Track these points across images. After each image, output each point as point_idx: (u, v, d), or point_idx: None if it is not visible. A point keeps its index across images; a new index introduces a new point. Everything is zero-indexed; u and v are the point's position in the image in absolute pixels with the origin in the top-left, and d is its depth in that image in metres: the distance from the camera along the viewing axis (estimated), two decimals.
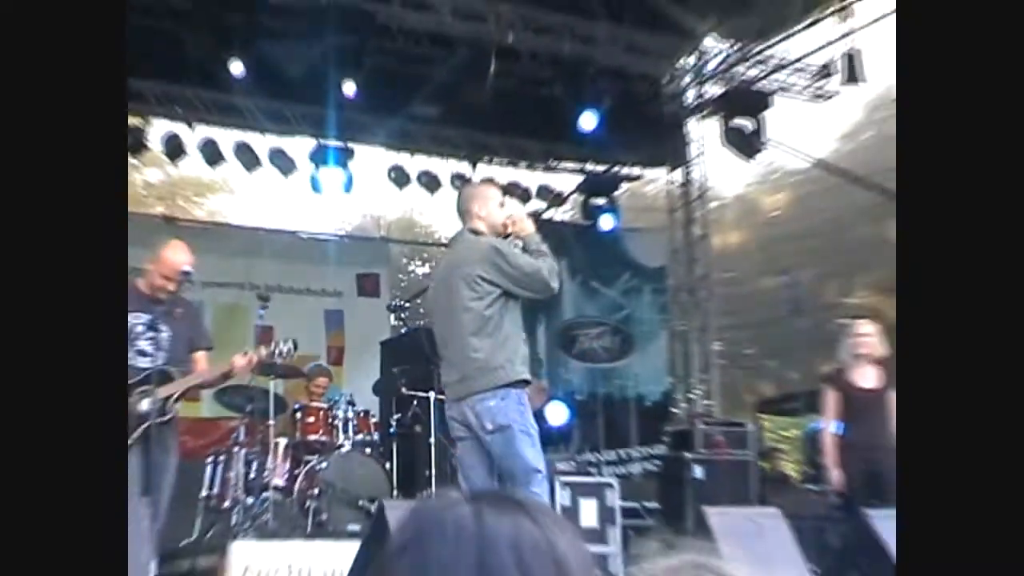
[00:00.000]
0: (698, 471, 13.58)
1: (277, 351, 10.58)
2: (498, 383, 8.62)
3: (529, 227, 9.30)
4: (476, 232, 9.22)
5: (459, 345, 8.78)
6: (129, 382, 9.21)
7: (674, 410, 18.77)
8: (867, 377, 11.73)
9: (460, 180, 19.05)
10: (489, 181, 10.59)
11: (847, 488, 11.58)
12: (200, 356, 10.07)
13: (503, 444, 8.64)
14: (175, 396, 9.69)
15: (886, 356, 11.72)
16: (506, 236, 9.22)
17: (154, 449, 9.33)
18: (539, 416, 15.91)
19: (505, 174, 19.84)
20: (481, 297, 8.76)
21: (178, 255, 9.93)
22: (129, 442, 9.14)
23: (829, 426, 11.86)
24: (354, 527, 9.26)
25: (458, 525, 1.70)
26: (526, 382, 8.83)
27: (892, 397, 11.42)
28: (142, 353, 9.56)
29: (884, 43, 18.71)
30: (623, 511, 12.22)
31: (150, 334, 9.61)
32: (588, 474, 13.34)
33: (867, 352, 11.70)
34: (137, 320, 9.56)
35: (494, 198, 9.55)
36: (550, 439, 15.53)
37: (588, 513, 12.08)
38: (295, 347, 10.82)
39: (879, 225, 19.65)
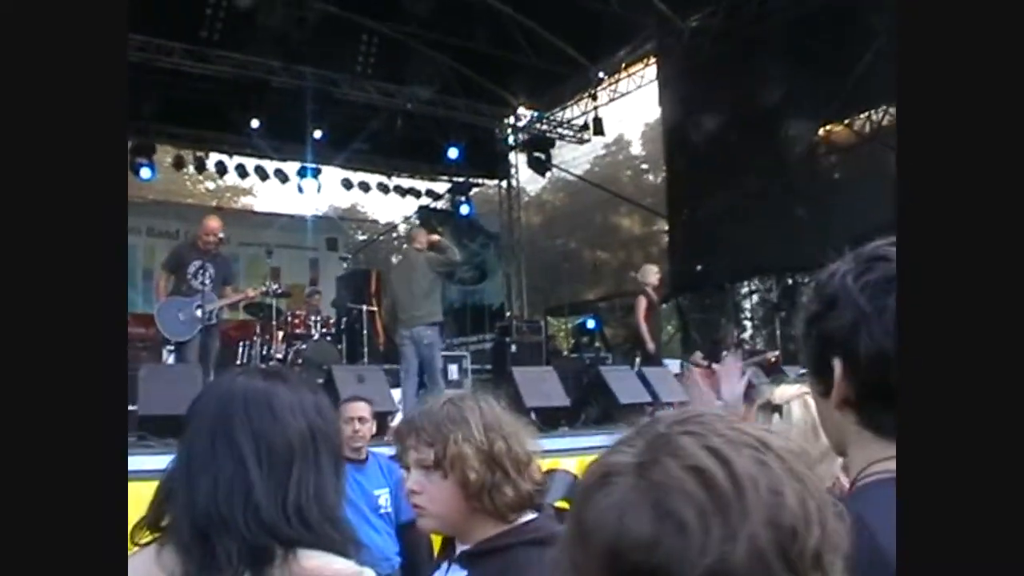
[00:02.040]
0: (513, 348, 13.74)
1: (272, 289, 10.94)
2: (433, 320, 10.01)
3: (437, 238, 10.64)
4: (418, 250, 10.33)
5: (415, 301, 9.96)
6: (189, 298, 9.48)
7: (507, 314, 18.89)
8: (656, 291, 12.17)
9: (381, 187, 19.37)
10: (420, 228, 11.33)
11: (655, 351, 11.85)
12: (229, 288, 10.11)
13: (429, 351, 9.85)
14: (216, 310, 9.73)
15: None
16: (431, 246, 10.34)
17: (207, 338, 9.56)
18: None
19: (406, 182, 19.94)
20: (427, 279, 9.98)
21: (212, 222, 10.02)
22: (193, 334, 9.41)
23: (640, 317, 11.91)
24: (320, 381, 9.29)
25: (220, 384, 1.70)
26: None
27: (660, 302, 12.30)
28: (201, 283, 9.59)
29: (616, 113, 19.19)
30: (472, 370, 12.38)
31: (202, 272, 9.66)
32: (452, 351, 13.41)
33: (657, 278, 12.21)
34: (195, 264, 9.65)
35: (423, 236, 10.57)
36: None
37: (453, 371, 12.23)
38: (280, 286, 11.33)
39: (607, 211, 19.94)
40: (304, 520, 1.54)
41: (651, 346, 11.75)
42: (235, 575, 1.49)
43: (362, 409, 5.89)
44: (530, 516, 2.15)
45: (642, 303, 11.93)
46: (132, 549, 1.59)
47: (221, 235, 10.01)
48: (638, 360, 12.09)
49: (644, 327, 11.79)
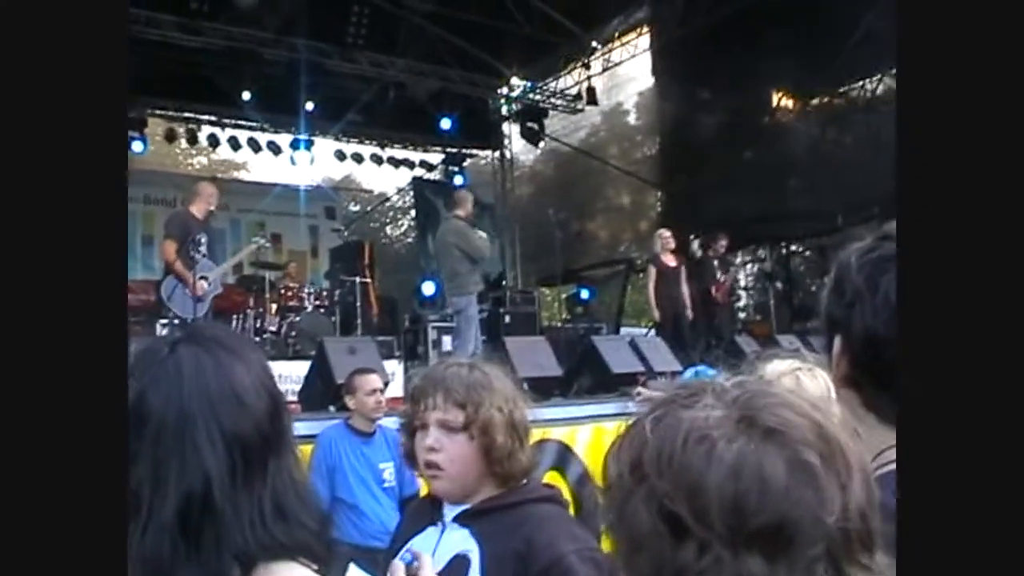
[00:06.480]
0: (507, 318, 13.73)
1: (262, 244, 10.95)
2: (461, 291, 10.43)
3: (480, 234, 10.59)
4: (458, 217, 10.46)
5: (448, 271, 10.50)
6: (192, 268, 9.07)
7: (504, 283, 18.86)
8: (670, 259, 12.16)
9: (374, 159, 19.39)
10: (466, 191, 11.43)
11: (661, 320, 12.00)
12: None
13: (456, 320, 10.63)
14: (218, 279, 9.56)
15: (676, 248, 12.28)
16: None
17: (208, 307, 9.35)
18: (419, 290, 16.12)
19: (399, 153, 19.97)
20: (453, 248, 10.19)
21: (214, 188, 9.83)
22: (206, 310, 9.24)
23: (648, 286, 12.13)
24: (311, 352, 9.30)
25: (164, 368, 1.34)
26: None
27: (683, 270, 12.17)
28: (201, 254, 9.23)
29: (608, 83, 19.11)
30: None
31: (201, 242, 9.31)
32: (446, 322, 13.40)
33: (669, 245, 12.21)
34: (195, 234, 9.23)
35: (469, 203, 10.71)
36: (425, 303, 15.72)
37: (445, 343, 12.30)
38: (268, 238, 11.63)
39: (599, 181, 19.93)
40: (283, 516, 1.34)
41: (656, 314, 12.03)
42: None
43: (379, 380, 5.91)
44: (523, 480, 2.20)
45: (651, 272, 12.10)
46: None
47: (213, 208, 9.78)
48: (651, 328, 12.67)
49: (652, 296, 12.06)
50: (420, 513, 2.32)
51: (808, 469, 0.87)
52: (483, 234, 10.67)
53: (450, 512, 2.19)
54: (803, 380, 2.45)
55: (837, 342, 1.36)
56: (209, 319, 9.39)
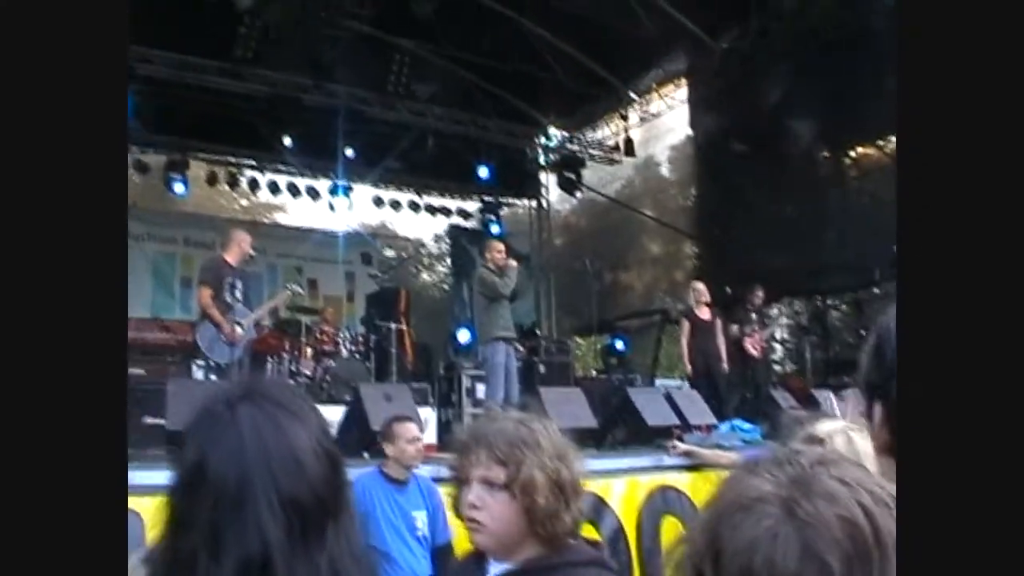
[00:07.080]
0: (542, 368, 13.67)
1: (295, 291, 11.16)
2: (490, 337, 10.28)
3: (503, 259, 10.50)
4: (485, 266, 10.59)
5: (477, 318, 10.64)
6: (228, 314, 9.06)
7: (536, 332, 18.80)
8: (704, 312, 12.06)
9: (411, 206, 19.43)
10: (497, 241, 11.47)
11: (692, 371, 11.88)
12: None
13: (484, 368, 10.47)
14: (252, 324, 9.40)
15: (710, 301, 12.14)
16: (495, 263, 10.39)
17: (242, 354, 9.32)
18: (454, 337, 16.09)
19: (436, 201, 20.07)
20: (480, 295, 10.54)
21: (248, 235, 9.78)
22: (239, 354, 9.16)
23: (683, 339, 12.08)
24: (347, 397, 9.28)
25: (225, 431, 1.31)
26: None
27: (718, 323, 12.05)
28: (235, 299, 9.22)
29: (645, 134, 19.19)
30: None
31: (235, 287, 9.29)
32: (480, 370, 13.36)
33: (703, 298, 12.11)
34: (229, 279, 9.24)
35: (493, 250, 10.66)
36: (459, 351, 15.67)
37: (479, 391, 12.23)
38: (304, 287, 11.49)
39: (634, 232, 19.95)
40: None
41: (689, 368, 11.91)
42: None
43: (417, 429, 5.86)
44: (571, 540, 2.14)
45: (685, 326, 12.06)
46: None
47: (252, 253, 9.84)
48: (685, 380, 12.49)
49: (685, 349, 11.97)
50: (464, 571, 2.28)
51: (822, 566, 0.89)
52: (512, 263, 10.70)
53: (494, 570, 2.15)
54: (855, 439, 2.43)
55: (878, 409, 1.33)
56: (246, 363, 9.41)
